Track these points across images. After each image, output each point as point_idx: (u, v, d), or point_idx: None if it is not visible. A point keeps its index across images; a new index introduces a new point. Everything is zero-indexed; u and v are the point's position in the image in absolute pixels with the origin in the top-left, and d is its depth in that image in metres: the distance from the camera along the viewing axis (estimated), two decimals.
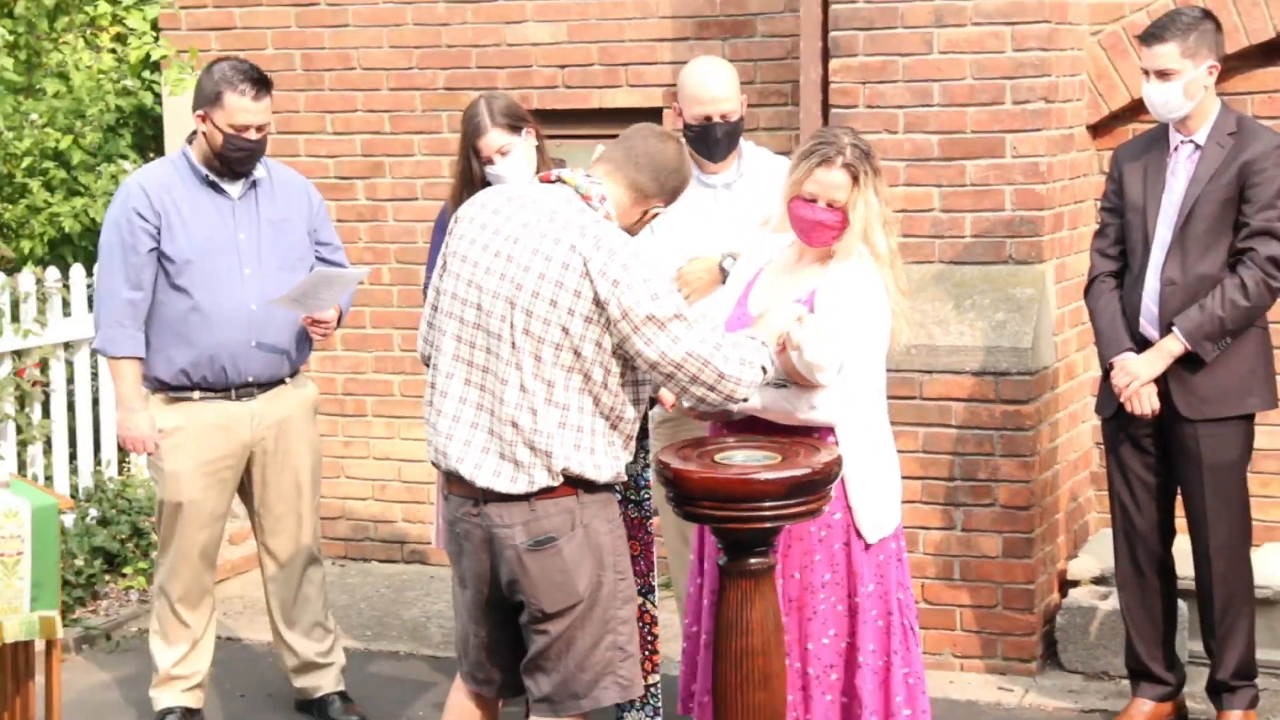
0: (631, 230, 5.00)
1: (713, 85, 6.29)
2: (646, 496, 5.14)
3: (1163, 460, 6.39)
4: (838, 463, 5.13)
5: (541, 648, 4.94)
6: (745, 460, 5.05)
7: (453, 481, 4.99)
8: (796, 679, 5.38)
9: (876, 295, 5.34)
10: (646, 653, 5.13)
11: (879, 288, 5.35)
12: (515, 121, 6.35)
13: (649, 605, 5.15)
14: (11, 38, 8.56)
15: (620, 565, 4.98)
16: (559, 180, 4.96)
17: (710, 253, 6.19)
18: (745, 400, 4.96)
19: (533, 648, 4.97)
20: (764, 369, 4.92)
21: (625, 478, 5.02)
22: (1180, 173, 6.29)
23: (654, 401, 5.38)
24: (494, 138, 6.31)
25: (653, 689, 5.18)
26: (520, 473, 4.83)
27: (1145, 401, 6.22)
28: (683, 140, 5.25)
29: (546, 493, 4.84)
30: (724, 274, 6.19)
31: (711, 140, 6.33)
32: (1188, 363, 6.19)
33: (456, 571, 5.14)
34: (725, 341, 4.89)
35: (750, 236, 5.77)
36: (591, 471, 4.85)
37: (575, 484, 4.86)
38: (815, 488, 5.06)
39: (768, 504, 4.99)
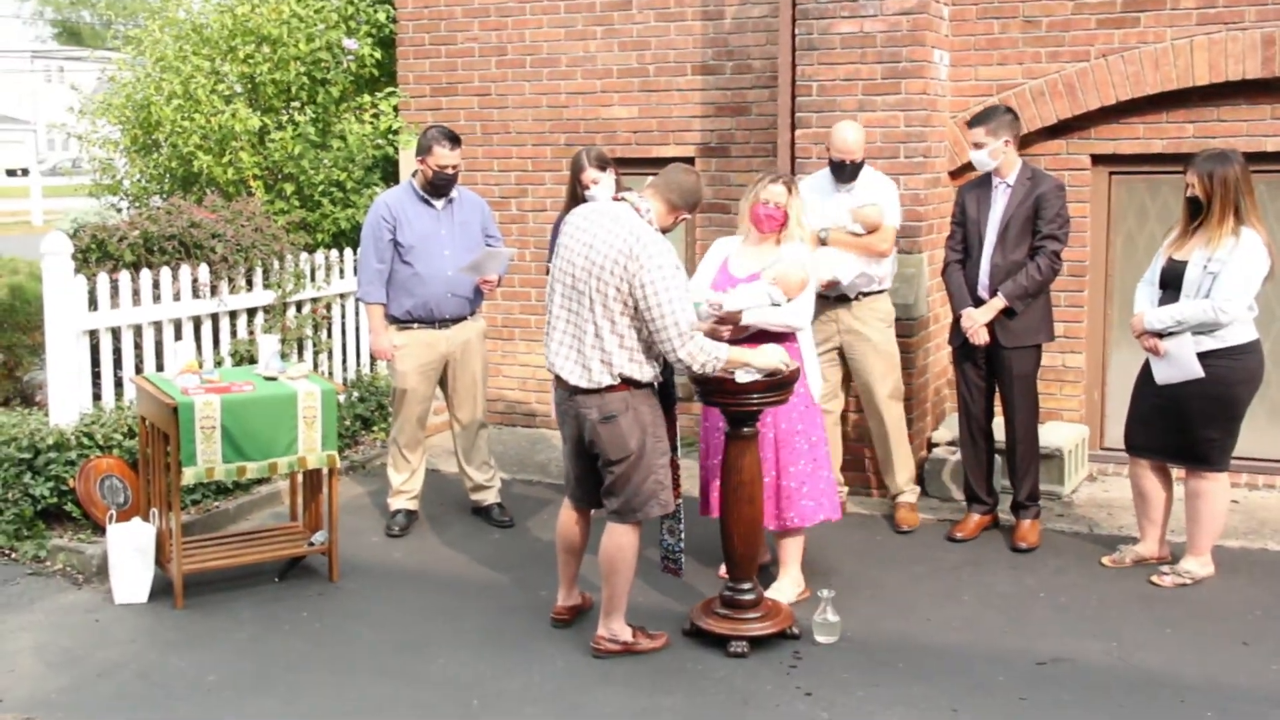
0: (667, 229, 4.95)
1: (847, 139, 6.29)
2: (673, 389, 5.08)
3: (989, 371, 6.33)
4: (796, 372, 5.11)
5: (611, 481, 4.93)
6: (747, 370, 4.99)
7: (557, 381, 4.97)
8: (773, 488, 5.42)
9: (808, 262, 5.46)
10: (674, 485, 5.09)
11: (810, 258, 5.48)
12: (603, 164, 6.31)
13: (676, 457, 5.10)
14: (314, 115, 8.57)
15: (657, 432, 4.93)
16: (622, 199, 4.93)
17: (827, 224, 6.38)
18: (694, 367, 4.78)
19: (606, 481, 4.95)
20: (718, 360, 4.78)
21: (660, 380, 4.94)
22: (999, 201, 6.23)
23: None
24: (590, 173, 6.26)
25: (678, 506, 5.14)
26: (594, 376, 4.81)
27: (981, 336, 6.20)
28: (698, 173, 5.18)
29: (610, 388, 4.81)
30: (820, 241, 6.34)
31: (843, 171, 6.35)
32: (1006, 313, 6.17)
33: (562, 434, 5.13)
34: (700, 335, 4.77)
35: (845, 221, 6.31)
36: (638, 375, 4.81)
37: (628, 383, 4.82)
38: (781, 388, 5.05)
39: (754, 396, 4.98)
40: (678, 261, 4.77)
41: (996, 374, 6.31)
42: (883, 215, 6.34)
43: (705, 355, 4.75)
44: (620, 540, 4.96)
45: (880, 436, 6.65)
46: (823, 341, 6.48)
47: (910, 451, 6.76)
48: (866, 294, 6.47)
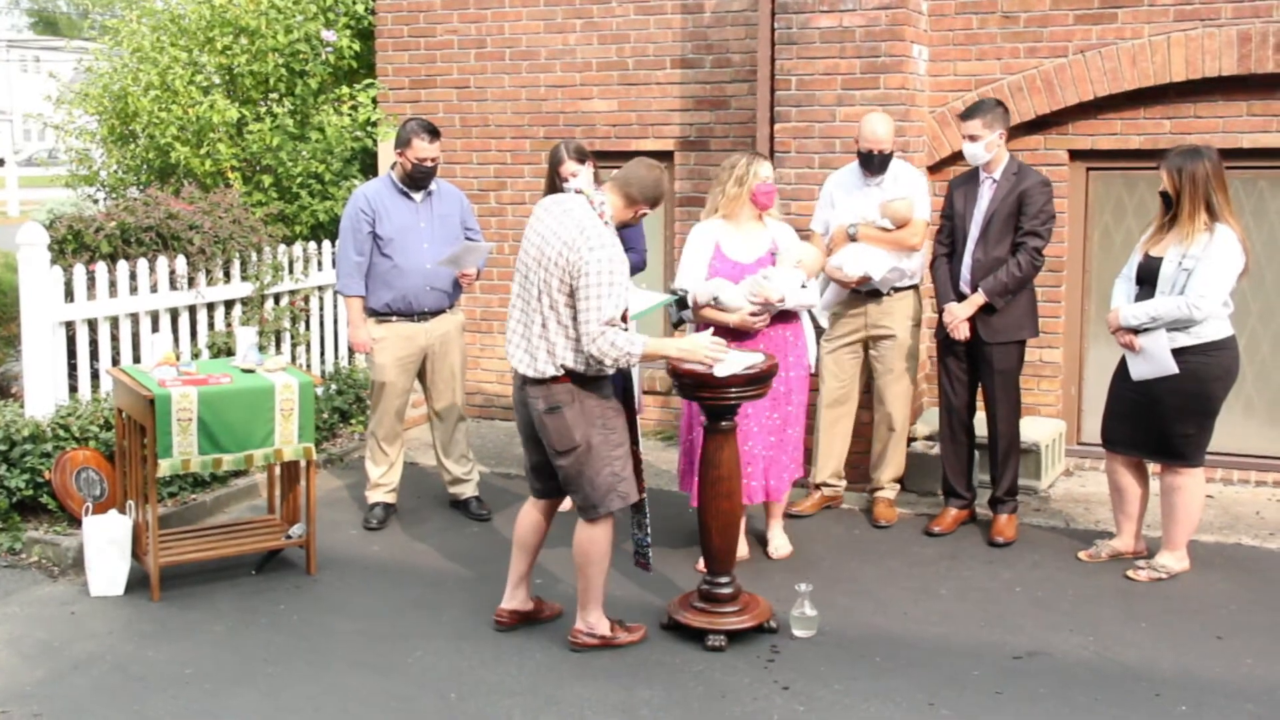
0: (630, 222, 4.97)
1: (877, 131, 6.29)
2: (630, 382, 5.06)
3: (971, 366, 6.35)
4: (775, 366, 5.11)
5: (563, 476, 4.93)
6: (735, 361, 4.98)
7: (512, 370, 4.95)
8: (775, 455, 5.88)
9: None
10: (638, 478, 5.06)
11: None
12: (581, 157, 6.30)
13: (639, 450, 5.06)
14: (292, 107, 8.53)
15: (608, 424, 4.87)
16: (580, 192, 4.93)
17: (856, 219, 6.43)
18: (606, 362, 4.70)
19: (559, 475, 4.95)
20: (630, 355, 4.68)
21: (606, 372, 4.83)
22: (984, 195, 6.24)
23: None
24: (569, 166, 6.25)
25: (643, 500, 5.11)
26: (539, 366, 4.79)
27: (962, 331, 6.21)
28: (663, 168, 5.14)
29: (556, 379, 4.79)
30: (850, 237, 6.40)
31: (872, 163, 6.33)
32: (987, 308, 6.18)
33: (517, 424, 5.13)
34: (614, 330, 4.66)
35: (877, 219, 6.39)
36: (580, 367, 4.77)
37: (570, 375, 4.79)
38: (761, 381, 5.04)
39: (732, 390, 4.97)
40: (620, 257, 4.71)
41: (978, 369, 6.32)
42: (913, 209, 6.35)
43: (617, 351, 4.66)
44: (592, 533, 4.95)
45: (883, 432, 6.67)
46: (848, 334, 6.54)
47: (905, 451, 6.78)
48: (898, 289, 6.49)
